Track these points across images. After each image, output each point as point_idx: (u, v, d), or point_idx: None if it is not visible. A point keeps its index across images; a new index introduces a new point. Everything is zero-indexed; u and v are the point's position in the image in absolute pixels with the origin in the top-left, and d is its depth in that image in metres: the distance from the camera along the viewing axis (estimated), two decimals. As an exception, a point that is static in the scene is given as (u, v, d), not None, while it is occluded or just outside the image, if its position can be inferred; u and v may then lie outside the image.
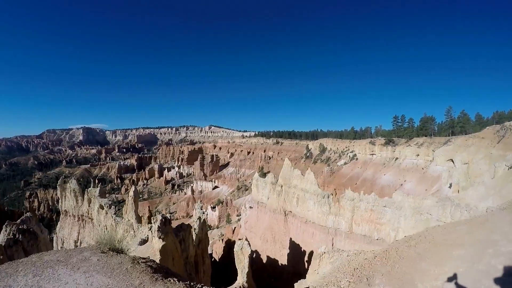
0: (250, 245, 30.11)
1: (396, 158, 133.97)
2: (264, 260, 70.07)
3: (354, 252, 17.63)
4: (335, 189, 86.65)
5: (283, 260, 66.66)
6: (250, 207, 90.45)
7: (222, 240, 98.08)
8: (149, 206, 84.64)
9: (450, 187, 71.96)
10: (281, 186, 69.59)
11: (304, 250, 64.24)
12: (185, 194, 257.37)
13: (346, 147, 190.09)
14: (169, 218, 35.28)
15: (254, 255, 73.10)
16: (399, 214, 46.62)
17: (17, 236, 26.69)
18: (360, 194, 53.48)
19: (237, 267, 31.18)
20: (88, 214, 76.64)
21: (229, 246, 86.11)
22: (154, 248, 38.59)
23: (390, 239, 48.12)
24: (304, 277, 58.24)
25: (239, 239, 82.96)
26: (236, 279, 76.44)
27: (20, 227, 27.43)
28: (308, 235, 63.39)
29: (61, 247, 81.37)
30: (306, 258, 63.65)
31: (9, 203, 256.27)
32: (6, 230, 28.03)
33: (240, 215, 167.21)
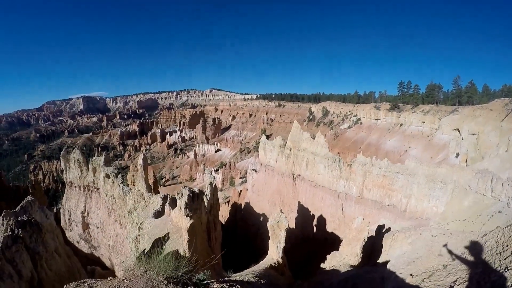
0: (287, 219, 28.43)
1: (401, 124, 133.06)
2: None
3: (440, 232, 17.07)
4: (339, 153, 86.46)
5: (291, 223, 66.28)
6: (254, 170, 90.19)
7: (228, 203, 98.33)
8: (153, 171, 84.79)
9: (457, 156, 71.76)
10: (290, 149, 68.79)
11: (313, 214, 64.37)
12: (188, 157, 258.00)
13: (349, 111, 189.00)
14: (197, 192, 33.61)
15: (262, 218, 73.88)
16: (412, 181, 46.32)
17: (16, 231, 23.01)
18: (372, 159, 52.90)
19: (271, 241, 29.70)
20: (94, 184, 76.43)
21: (235, 209, 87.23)
22: (175, 225, 37.69)
23: (402, 206, 48.06)
24: (316, 243, 59.08)
25: (246, 203, 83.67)
26: (238, 240, 77.72)
27: (19, 218, 23.86)
28: (317, 199, 63.31)
29: (68, 219, 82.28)
30: (315, 222, 63.91)
31: (14, 178, 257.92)
32: (2, 225, 24.10)
33: (244, 177, 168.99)
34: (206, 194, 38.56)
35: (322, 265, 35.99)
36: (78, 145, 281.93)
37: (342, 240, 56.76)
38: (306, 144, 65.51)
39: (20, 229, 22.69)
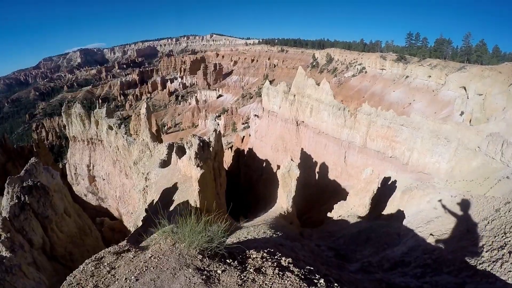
0: (298, 168, 27.85)
1: (407, 76, 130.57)
2: (275, 169, 69.83)
3: (460, 194, 17.00)
4: (342, 101, 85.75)
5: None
6: (256, 116, 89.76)
7: (231, 149, 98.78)
8: (156, 119, 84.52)
9: (461, 114, 71.20)
10: (294, 96, 67.95)
11: (315, 161, 64.89)
12: (190, 104, 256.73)
13: (354, 59, 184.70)
14: (207, 141, 32.76)
15: (264, 164, 74.72)
16: (416, 135, 46.29)
17: (23, 198, 21.58)
18: (378, 109, 52.42)
19: (280, 190, 29.22)
20: (97, 136, 76.57)
21: (238, 154, 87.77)
22: (183, 174, 37.79)
23: (405, 159, 48.31)
24: (328, 192, 59.94)
25: (249, 148, 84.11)
26: (241, 185, 78.71)
27: (24, 184, 22.32)
28: (320, 146, 63.59)
29: (74, 174, 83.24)
30: (317, 169, 64.57)
31: (17, 139, 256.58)
32: (8, 193, 22.96)
33: (246, 123, 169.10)
34: (211, 141, 38.34)
35: (329, 214, 36.58)
36: (79, 99, 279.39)
37: (344, 188, 58.05)
38: (310, 91, 64.60)
39: (26, 195, 21.69)
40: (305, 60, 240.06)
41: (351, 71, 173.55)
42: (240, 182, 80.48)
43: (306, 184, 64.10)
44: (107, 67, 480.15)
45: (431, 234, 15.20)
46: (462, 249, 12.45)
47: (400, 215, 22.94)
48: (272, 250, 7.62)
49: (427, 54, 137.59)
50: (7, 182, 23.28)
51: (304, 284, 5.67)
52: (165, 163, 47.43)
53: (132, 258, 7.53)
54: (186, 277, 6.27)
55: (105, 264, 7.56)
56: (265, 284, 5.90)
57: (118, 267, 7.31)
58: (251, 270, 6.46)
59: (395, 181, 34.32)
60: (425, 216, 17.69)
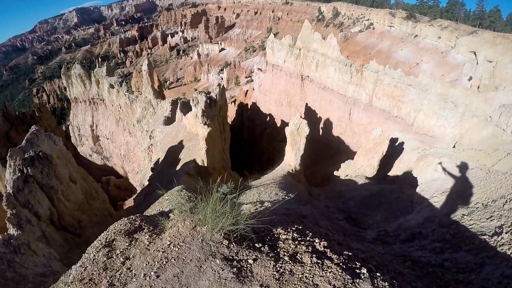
0: (308, 126, 27.08)
1: (416, 36, 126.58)
2: (278, 124, 70.48)
3: (477, 167, 16.48)
4: (347, 57, 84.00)
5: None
6: (259, 69, 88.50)
7: (234, 103, 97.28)
8: (157, 75, 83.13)
9: (469, 80, 69.55)
10: (299, 49, 66.29)
11: (320, 117, 64.38)
12: (191, 58, 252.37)
13: (361, 14, 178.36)
14: (214, 97, 31.64)
15: (268, 119, 74.48)
16: (423, 96, 45.30)
17: (25, 170, 20.53)
18: (385, 67, 51.08)
19: (288, 147, 28.52)
20: (99, 96, 75.84)
21: (242, 109, 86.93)
22: (189, 132, 37.39)
23: (410, 119, 47.62)
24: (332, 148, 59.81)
25: (253, 103, 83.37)
26: (245, 140, 78.82)
27: (26, 155, 21.17)
28: (325, 102, 62.83)
29: (78, 135, 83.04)
30: (321, 125, 64.19)
31: (19, 105, 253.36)
32: (10, 166, 21.99)
33: (249, 77, 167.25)
34: (215, 95, 37.68)
35: (336, 173, 36.51)
36: (78, 60, 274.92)
37: (347, 145, 58.03)
38: (316, 45, 62.88)
39: (28, 167, 20.83)
40: (311, 13, 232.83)
41: (358, 27, 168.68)
42: (244, 137, 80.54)
43: (310, 140, 63.63)
44: (105, 25, 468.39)
45: None
46: (480, 227, 12.10)
47: (412, 181, 22.54)
48: (300, 227, 6.80)
49: (438, 15, 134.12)
50: (8, 155, 22.58)
51: (348, 276, 5.04)
52: (169, 120, 47.02)
53: (148, 245, 6.78)
54: (214, 271, 5.48)
55: (118, 252, 6.86)
56: (305, 277, 5.16)
57: (133, 257, 6.56)
58: (285, 258, 5.67)
59: (402, 143, 33.97)
60: (440, 185, 17.17)
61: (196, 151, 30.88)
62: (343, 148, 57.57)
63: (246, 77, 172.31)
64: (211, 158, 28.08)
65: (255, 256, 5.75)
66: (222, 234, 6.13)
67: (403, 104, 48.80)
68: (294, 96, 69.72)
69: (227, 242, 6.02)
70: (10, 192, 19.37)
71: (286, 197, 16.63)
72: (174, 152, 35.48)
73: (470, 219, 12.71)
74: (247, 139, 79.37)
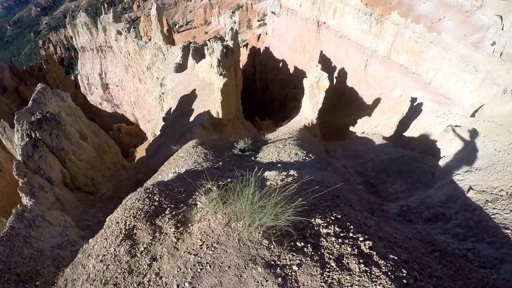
0: (328, 79, 26.00)
1: None
2: (291, 71, 69.24)
3: (504, 149, 15.77)
4: (366, 4, 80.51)
5: (310, 73, 65.27)
6: (273, 13, 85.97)
7: (246, 47, 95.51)
8: (166, 19, 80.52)
9: (492, 44, 65.93)
10: (317, -6, 63.66)
11: (334, 66, 62.72)
12: (201, 0, 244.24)
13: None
14: (231, 47, 30.01)
15: (281, 64, 72.91)
16: (444, 55, 43.02)
17: (33, 135, 19.67)
18: (407, 20, 48.55)
19: (306, 100, 27.45)
20: (107, 43, 74.26)
21: (254, 53, 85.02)
22: (202, 80, 36.43)
23: (428, 77, 45.87)
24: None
25: (266, 47, 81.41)
26: (257, 85, 77.92)
27: (33, 117, 20.11)
28: (341, 51, 60.92)
29: (87, 84, 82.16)
30: (335, 74, 62.68)
31: (26, 59, 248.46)
32: (18, 131, 20.91)
33: (261, 20, 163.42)
34: (227, 40, 36.29)
35: (351, 129, 35.90)
36: (83, 7, 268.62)
37: (361, 97, 57.03)
38: (335, -10, 60.10)
39: (36, 131, 20.09)
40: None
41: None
42: (255, 82, 79.43)
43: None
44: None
45: (471, 188, 14.22)
46: (503, 218, 11.81)
47: (431, 148, 22.03)
48: (339, 216, 6.27)
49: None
50: (15, 118, 21.82)
51: (395, 288, 4.55)
52: (180, 67, 45.98)
53: (176, 243, 6.10)
54: (257, 282, 4.83)
55: (142, 249, 6.28)
56: (354, 288, 4.62)
57: (160, 257, 5.93)
58: (331, 263, 5.04)
59: (420, 104, 33.01)
60: (464, 163, 16.64)
61: (210, 102, 30.13)
62: (357, 99, 56.53)
63: (258, 21, 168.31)
64: (226, 110, 27.36)
65: (299, 260, 5.12)
66: (261, 232, 5.46)
67: (422, 61, 46.77)
68: (309, 43, 67.38)
69: (267, 242, 5.36)
70: (20, 159, 19.00)
71: (307, 158, 16.22)
72: (186, 101, 34.81)
73: (494, 207, 12.43)
74: (259, 84, 78.37)
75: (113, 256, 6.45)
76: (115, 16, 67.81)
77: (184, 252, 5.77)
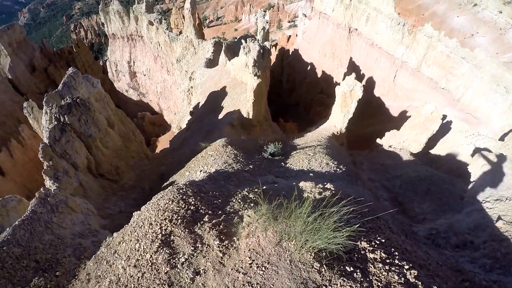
0: (364, 89, 25.92)
1: (475, 4, 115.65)
2: (319, 75, 68.47)
3: None
4: (399, 13, 79.57)
5: (338, 78, 63.91)
6: (304, 15, 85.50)
7: (275, 47, 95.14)
8: (197, 13, 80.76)
9: None
10: (350, 0, 63.13)
11: (363, 74, 62.03)
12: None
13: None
14: (268, 48, 29.82)
15: (309, 68, 72.37)
16: (475, 73, 41.92)
17: (62, 119, 19.35)
18: (441, 34, 47.69)
19: (337, 108, 27.34)
20: (137, 32, 75.48)
21: (283, 54, 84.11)
22: (233, 78, 36.48)
23: (457, 94, 44.77)
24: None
25: (295, 49, 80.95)
26: (283, 86, 77.62)
27: (63, 102, 19.68)
28: (371, 59, 60.33)
29: (115, 70, 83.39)
30: (363, 83, 61.94)
31: (57, 41, 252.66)
32: (46, 114, 20.53)
33: (292, 21, 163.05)
34: (258, 39, 36.20)
35: (379, 141, 35.57)
36: None
37: (388, 108, 56.23)
38: (369, -4, 59.49)
39: (65, 115, 19.90)
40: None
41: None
42: (282, 83, 78.89)
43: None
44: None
45: (500, 218, 13.98)
46: None
47: (459, 170, 21.67)
48: (383, 240, 6.16)
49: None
50: (44, 100, 22.05)
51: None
52: (210, 63, 46.20)
53: (222, 258, 5.79)
54: None
55: (183, 260, 6.00)
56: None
57: (204, 272, 5.63)
58: None
59: (450, 122, 32.42)
60: (495, 191, 16.31)
61: (241, 101, 30.10)
62: (383, 110, 55.86)
63: (289, 22, 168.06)
64: (257, 111, 27.31)
65: (349, 286, 4.98)
66: (312, 254, 5.24)
67: (452, 77, 45.53)
68: (339, 48, 66.69)
69: (319, 265, 5.14)
70: (47, 142, 18.94)
71: (337, 169, 16.25)
72: (215, 98, 34.93)
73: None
74: (286, 85, 77.89)
75: (150, 264, 6.17)
76: (148, 7, 68.64)
77: (231, 269, 5.50)
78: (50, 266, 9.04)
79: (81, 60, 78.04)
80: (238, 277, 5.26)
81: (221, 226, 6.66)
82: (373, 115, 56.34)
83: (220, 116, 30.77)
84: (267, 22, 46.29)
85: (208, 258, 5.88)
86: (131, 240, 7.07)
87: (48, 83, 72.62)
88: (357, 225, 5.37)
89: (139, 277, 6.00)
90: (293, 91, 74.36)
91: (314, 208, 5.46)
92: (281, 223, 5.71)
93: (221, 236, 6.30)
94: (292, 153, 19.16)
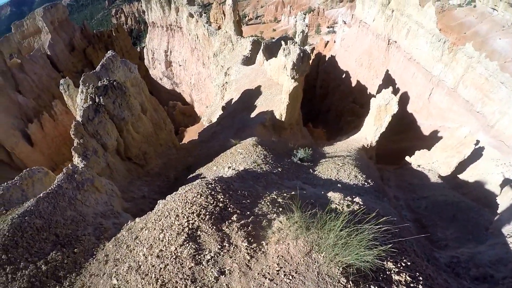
0: (398, 104, 25.57)
1: None
2: (353, 84, 67.94)
3: None
4: (440, 30, 78.21)
5: (373, 89, 63.62)
6: (344, 22, 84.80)
7: (312, 52, 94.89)
8: (237, 10, 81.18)
9: None
10: (392, 11, 61.63)
11: (398, 88, 61.15)
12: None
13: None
14: (308, 52, 29.56)
15: (344, 75, 71.88)
16: None
17: (97, 100, 19.58)
18: (482, 55, 46.20)
19: (370, 120, 27.15)
20: (177, 23, 77.03)
21: (319, 59, 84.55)
22: (269, 78, 36.66)
23: (493, 119, 43.46)
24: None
25: (332, 56, 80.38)
26: (317, 91, 77.14)
27: (100, 83, 19.97)
28: (408, 74, 59.36)
29: (152, 58, 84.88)
30: (397, 96, 61.13)
31: (97, 24, 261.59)
32: (82, 93, 21.08)
33: (331, 27, 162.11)
34: (296, 42, 36.16)
35: (407, 159, 35.11)
36: None
37: (419, 125, 55.14)
38: (412, 11, 58.23)
39: (101, 97, 20.28)
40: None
41: (458, 0, 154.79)
42: (315, 88, 78.81)
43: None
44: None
45: None
46: None
47: (486, 199, 21.23)
48: (408, 263, 6.02)
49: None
50: (81, 79, 22.48)
51: None
52: (247, 60, 46.50)
53: (249, 261, 5.70)
54: None
55: (209, 257, 5.93)
56: None
57: (229, 273, 5.57)
58: None
59: (482, 148, 31.55)
60: None
61: (275, 102, 30.24)
62: (415, 127, 54.93)
63: (328, 27, 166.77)
64: (290, 114, 27.43)
65: None
66: (340, 269, 5.15)
67: (489, 101, 44.10)
68: (376, 59, 65.86)
69: (345, 280, 5.04)
70: (80, 120, 19.31)
71: (365, 183, 16.18)
72: (249, 96, 35.19)
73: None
74: (318, 91, 77.66)
75: (174, 256, 6.11)
76: (189, -1, 69.63)
77: (258, 273, 5.40)
78: (69, 242, 9.16)
79: (119, 45, 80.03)
80: (264, 283, 5.18)
81: (249, 227, 6.60)
82: (403, 131, 55.52)
83: (253, 115, 31.02)
84: (306, 26, 46.17)
85: (235, 259, 5.79)
86: (154, 229, 7.09)
87: (85, 63, 74.94)
88: (389, 246, 5.34)
89: (161, 268, 5.98)
90: (325, 97, 73.97)
91: (346, 223, 5.44)
92: (313, 233, 5.66)
93: (250, 238, 6.23)
94: (320, 161, 19.18)
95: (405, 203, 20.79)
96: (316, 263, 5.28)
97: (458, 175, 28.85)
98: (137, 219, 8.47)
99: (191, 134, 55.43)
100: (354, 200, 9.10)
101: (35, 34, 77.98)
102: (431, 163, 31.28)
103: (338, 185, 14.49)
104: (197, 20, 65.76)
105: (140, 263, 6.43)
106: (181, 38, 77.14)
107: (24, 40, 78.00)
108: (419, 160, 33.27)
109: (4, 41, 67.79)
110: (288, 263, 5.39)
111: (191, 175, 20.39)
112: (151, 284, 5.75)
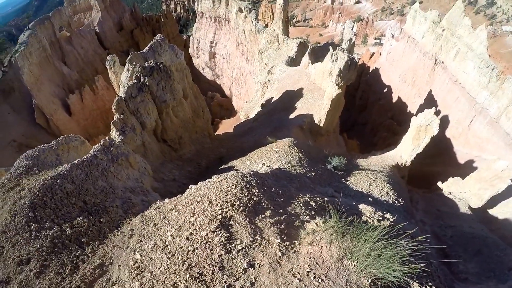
0: (439, 126, 25.22)
1: None
2: (394, 100, 66.94)
3: None
4: (489, 55, 76.00)
5: (413, 108, 62.24)
6: (392, 35, 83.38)
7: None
8: (287, 10, 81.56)
9: None
10: (443, 30, 60.15)
11: (439, 110, 59.47)
12: (324, 2, 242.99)
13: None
14: (356, 61, 29.66)
15: (386, 90, 70.95)
16: None
17: (142, 79, 20.11)
18: None
19: (408, 139, 27.10)
20: (225, 16, 78.17)
21: (362, 70, 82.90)
22: (312, 81, 36.80)
23: None
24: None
25: (376, 68, 79.16)
26: (356, 102, 76.16)
27: (146, 64, 20.34)
28: (451, 97, 57.70)
29: (197, 47, 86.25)
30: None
31: (147, 8, 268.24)
32: (127, 70, 21.93)
33: (378, 39, 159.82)
34: (342, 48, 36.15)
35: (439, 184, 34.34)
36: None
37: (455, 152, 53.57)
38: (463, 32, 56.23)
39: (146, 77, 20.82)
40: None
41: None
42: (355, 98, 78.08)
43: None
44: None
45: None
46: None
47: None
48: (431, 285, 5.88)
49: None
50: (128, 58, 23.24)
51: None
52: (292, 61, 46.71)
53: (280, 258, 5.66)
54: None
55: (239, 248, 5.92)
56: None
57: (259, 266, 5.54)
58: None
59: None
60: None
61: (315, 107, 30.28)
62: (450, 153, 53.39)
63: (375, 38, 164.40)
64: (329, 120, 27.54)
65: None
66: (369, 280, 5.09)
67: None
68: (421, 78, 64.24)
69: None
70: (122, 97, 19.91)
71: (396, 201, 16.13)
72: (290, 97, 35.35)
73: None
74: (358, 102, 76.97)
75: (204, 241, 6.10)
76: (240, -6, 70.45)
77: (288, 272, 5.39)
78: (97, 211, 9.33)
79: (166, 30, 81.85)
80: (292, 282, 5.16)
81: (282, 225, 6.58)
82: (438, 155, 54.24)
83: (291, 116, 31.22)
84: (354, 35, 45.91)
85: (266, 254, 5.76)
86: (185, 212, 7.14)
87: (131, 44, 77.32)
88: (423, 265, 5.21)
89: (189, 251, 5.96)
90: (364, 109, 73.13)
91: (382, 235, 5.42)
92: (347, 240, 5.64)
93: (282, 236, 6.20)
94: (353, 172, 19.15)
95: (431, 229, 20.53)
96: (346, 271, 5.28)
97: (488, 210, 28.05)
98: (166, 200, 8.63)
99: (225, 126, 56.10)
100: (385, 216, 9.01)
101: (86, 11, 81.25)
102: (463, 192, 30.44)
103: (369, 199, 14.39)
104: (246, 15, 66.33)
105: (167, 243, 6.49)
106: (228, 31, 78.07)
107: (75, 15, 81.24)
108: (451, 187, 32.44)
109: (55, 14, 70.01)
110: (319, 266, 5.40)
111: (223, 166, 20.77)
112: (177, 265, 5.76)
